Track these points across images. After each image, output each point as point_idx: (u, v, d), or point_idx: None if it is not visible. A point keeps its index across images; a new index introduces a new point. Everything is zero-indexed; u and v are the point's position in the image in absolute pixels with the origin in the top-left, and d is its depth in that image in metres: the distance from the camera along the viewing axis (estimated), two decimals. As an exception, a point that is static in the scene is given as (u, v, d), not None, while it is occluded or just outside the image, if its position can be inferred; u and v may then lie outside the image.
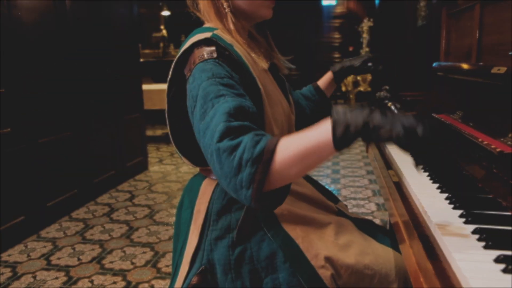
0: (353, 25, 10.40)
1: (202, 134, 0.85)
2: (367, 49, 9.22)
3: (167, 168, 4.51)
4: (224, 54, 0.94)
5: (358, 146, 5.37)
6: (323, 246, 1.00)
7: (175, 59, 0.99)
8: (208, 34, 0.97)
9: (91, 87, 3.46)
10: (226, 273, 1.00)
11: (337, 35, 11.57)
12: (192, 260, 1.03)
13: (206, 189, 1.06)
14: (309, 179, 1.23)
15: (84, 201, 3.39)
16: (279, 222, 1.01)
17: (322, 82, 1.42)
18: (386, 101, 2.75)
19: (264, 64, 1.05)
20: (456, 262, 0.65)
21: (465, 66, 1.38)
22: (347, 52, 10.99)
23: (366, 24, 9.15)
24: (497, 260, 0.64)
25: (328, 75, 1.42)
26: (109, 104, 3.76)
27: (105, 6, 3.68)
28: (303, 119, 1.32)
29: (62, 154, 3.11)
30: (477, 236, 0.73)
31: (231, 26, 1.02)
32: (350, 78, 8.83)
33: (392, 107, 2.72)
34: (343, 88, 9.26)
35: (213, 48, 0.93)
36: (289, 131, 1.12)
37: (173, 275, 1.08)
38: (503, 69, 1.05)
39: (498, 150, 0.88)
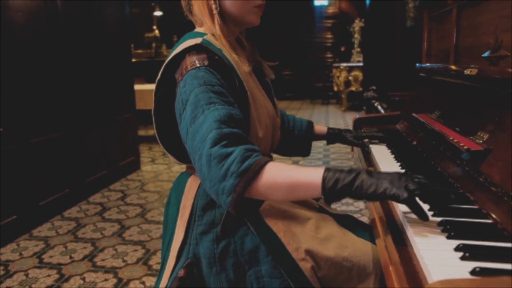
0: (345, 25, 10.48)
1: (191, 137, 0.92)
2: (358, 49, 9.29)
3: (159, 168, 4.55)
4: (214, 59, 0.99)
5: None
6: (304, 239, 1.05)
7: (166, 62, 1.03)
8: (198, 40, 1.02)
9: (82, 87, 3.49)
10: (211, 266, 1.05)
11: (329, 35, 11.66)
12: (178, 254, 1.07)
13: (192, 185, 1.11)
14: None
15: (76, 201, 3.42)
16: (262, 217, 1.06)
17: (317, 128, 1.50)
18: (373, 101, 2.80)
19: (246, 67, 1.10)
20: (420, 252, 0.71)
21: (442, 67, 1.44)
22: (340, 52, 11.08)
23: (357, 24, 9.23)
24: (457, 248, 0.70)
25: (323, 129, 1.50)
26: (101, 104, 3.79)
27: (97, 6, 3.71)
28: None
29: (54, 154, 3.14)
30: (441, 228, 0.78)
31: (217, 28, 1.07)
32: (342, 78, 8.89)
33: (379, 107, 2.77)
34: (335, 88, 9.33)
35: (204, 55, 0.99)
36: (273, 133, 1.17)
37: (161, 269, 1.12)
38: (474, 71, 1.10)
39: (465, 147, 0.94)
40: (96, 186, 3.71)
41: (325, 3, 11.34)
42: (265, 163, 0.87)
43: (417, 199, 0.78)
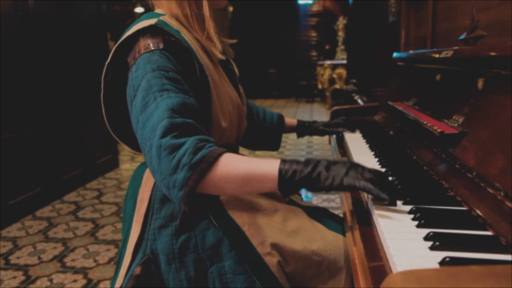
0: (329, 24, 10.46)
1: (141, 126, 0.84)
2: (342, 47, 9.28)
3: (139, 166, 4.43)
4: (171, 41, 0.91)
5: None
6: (270, 232, 0.97)
7: (117, 44, 0.95)
8: (153, 21, 0.94)
9: (57, 84, 3.37)
10: (170, 263, 0.97)
11: (314, 33, 11.65)
12: (134, 250, 0.99)
13: (149, 177, 1.03)
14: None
15: (50, 199, 3.29)
16: (225, 209, 0.98)
17: (287, 120, 1.48)
18: (353, 94, 2.75)
19: (219, 55, 1.03)
20: (386, 241, 0.64)
21: (418, 53, 1.38)
22: (324, 50, 11.07)
23: (341, 22, 9.22)
24: (426, 237, 0.63)
25: (293, 122, 1.49)
26: (77, 101, 3.66)
27: (71, 5, 3.59)
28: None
29: (26, 152, 3.01)
30: (412, 216, 0.72)
31: (207, 12, 1.01)
32: (326, 76, 8.86)
33: (359, 100, 2.71)
34: (320, 86, 9.31)
35: (160, 38, 0.91)
36: (239, 122, 1.10)
37: (117, 267, 1.04)
38: (450, 53, 1.04)
39: (439, 130, 0.88)
40: (71, 184, 3.59)
41: (310, 1, 11.32)
42: (220, 154, 0.80)
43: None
